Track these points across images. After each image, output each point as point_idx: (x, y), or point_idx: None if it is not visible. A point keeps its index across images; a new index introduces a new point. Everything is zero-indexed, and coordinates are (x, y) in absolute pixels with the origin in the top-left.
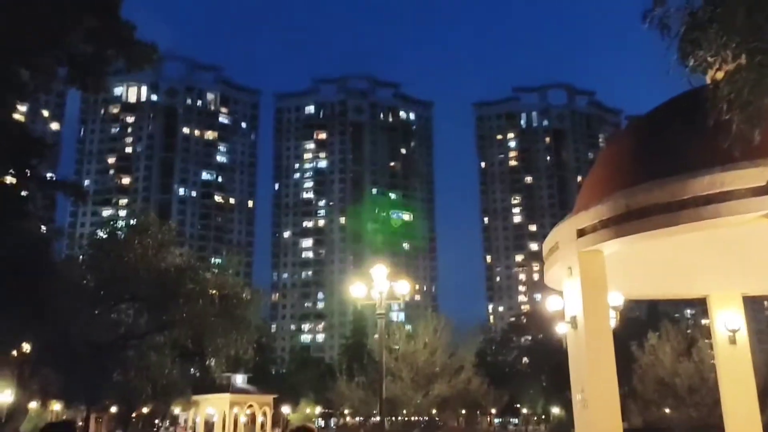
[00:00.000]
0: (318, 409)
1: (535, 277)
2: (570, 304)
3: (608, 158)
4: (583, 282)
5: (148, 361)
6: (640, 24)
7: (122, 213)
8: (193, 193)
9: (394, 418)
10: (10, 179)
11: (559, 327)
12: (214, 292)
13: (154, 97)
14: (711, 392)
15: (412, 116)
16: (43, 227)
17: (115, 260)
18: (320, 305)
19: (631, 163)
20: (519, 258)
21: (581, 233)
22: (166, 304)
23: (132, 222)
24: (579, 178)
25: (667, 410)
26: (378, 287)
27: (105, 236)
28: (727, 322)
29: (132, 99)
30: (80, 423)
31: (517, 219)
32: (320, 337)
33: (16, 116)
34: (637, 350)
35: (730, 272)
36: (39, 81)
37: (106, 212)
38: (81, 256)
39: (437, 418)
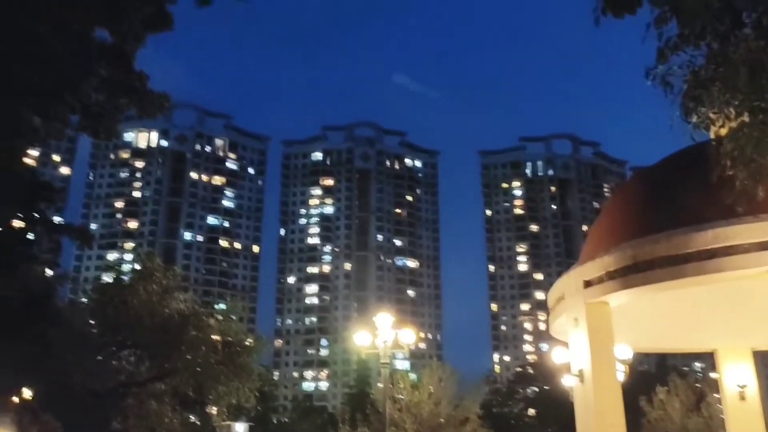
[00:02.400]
0: None
1: (542, 326)
2: (577, 356)
3: (614, 209)
4: (590, 334)
5: (148, 410)
6: (643, 79)
7: (127, 257)
8: (199, 238)
9: None
10: (17, 223)
11: (566, 379)
12: (217, 338)
13: (163, 143)
14: None
15: (418, 164)
16: (49, 271)
17: (118, 306)
18: (324, 352)
19: (637, 215)
20: (525, 307)
21: (587, 284)
22: (168, 351)
23: (136, 266)
24: (585, 227)
25: None
26: (383, 336)
27: (109, 281)
28: (737, 377)
29: (142, 144)
30: None
31: (522, 267)
32: (323, 386)
33: (27, 160)
34: (646, 404)
35: (738, 326)
36: (51, 128)
37: (111, 256)
38: (85, 301)
39: None
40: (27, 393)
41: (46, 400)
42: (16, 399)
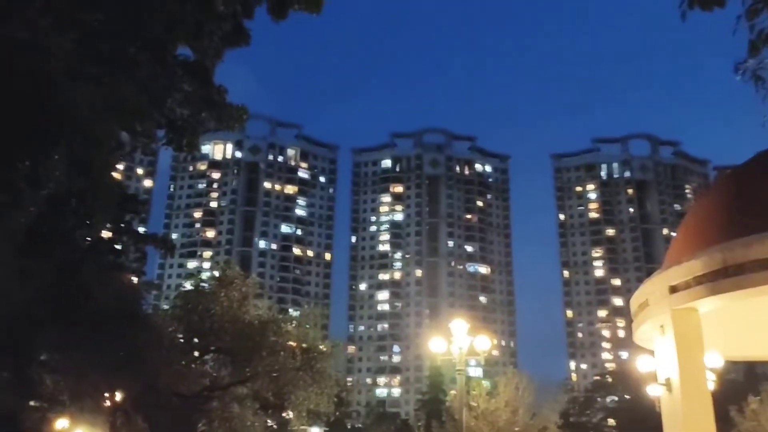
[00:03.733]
0: None
1: (620, 333)
2: (663, 364)
3: (701, 211)
4: (677, 341)
5: (231, 413)
6: (729, 71)
7: (206, 265)
8: (273, 246)
9: None
10: (107, 233)
11: (651, 388)
12: (294, 344)
13: (238, 154)
14: None
15: (488, 168)
16: (136, 279)
17: (202, 313)
18: (396, 359)
19: (727, 217)
20: (602, 313)
21: (674, 290)
22: (249, 356)
23: (215, 273)
24: (665, 231)
25: None
26: (457, 342)
27: (191, 288)
28: None
29: (218, 156)
30: None
31: (599, 273)
32: (396, 392)
33: (114, 174)
34: (737, 415)
35: None
36: (138, 143)
37: (191, 264)
38: (169, 308)
39: None
40: (118, 395)
41: (136, 402)
42: (108, 402)
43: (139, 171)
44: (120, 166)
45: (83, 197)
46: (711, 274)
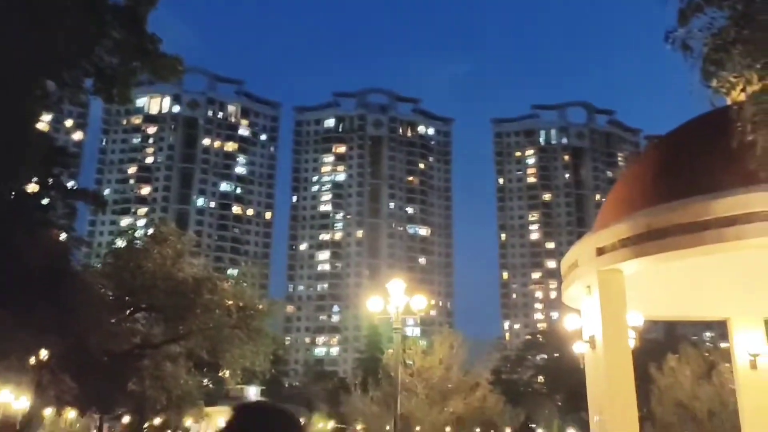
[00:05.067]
0: (331, 424)
1: (552, 294)
2: (588, 323)
3: (630, 177)
4: (602, 301)
5: (163, 371)
6: (661, 43)
7: (141, 222)
8: (212, 204)
9: None
10: (32, 187)
11: (577, 346)
12: (230, 303)
13: (176, 109)
14: (731, 417)
15: (431, 131)
16: (64, 235)
17: (133, 270)
18: (335, 319)
19: (653, 183)
20: (536, 275)
21: (601, 252)
22: (182, 314)
23: (150, 231)
24: (597, 197)
25: None
26: (395, 302)
27: (123, 245)
28: (748, 345)
29: (154, 110)
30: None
31: (534, 236)
32: (334, 351)
33: (40, 125)
34: (656, 372)
35: (752, 295)
36: (66, 92)
37: (125, 222)
38: (100, 265)
39: None
40: (44, 354)
41: (64, 361)
42: (33, 360)
43: (69, 123)
44: (47, 117)
45: (7, 148)
46: (636, 237)
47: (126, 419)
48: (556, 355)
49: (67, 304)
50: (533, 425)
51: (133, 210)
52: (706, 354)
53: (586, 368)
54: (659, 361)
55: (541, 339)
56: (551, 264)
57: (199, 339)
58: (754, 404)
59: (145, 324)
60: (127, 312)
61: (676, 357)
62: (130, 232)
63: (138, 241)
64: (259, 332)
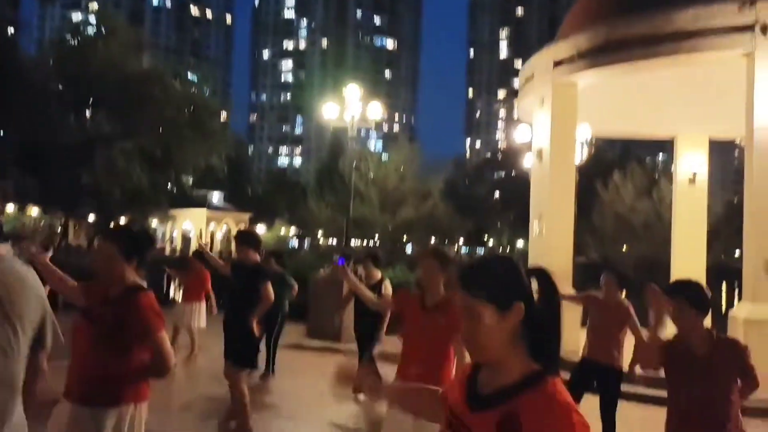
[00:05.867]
0: (292, 230)
1: (515, 114)
2: (538, 135)
3: None
4: (553, 113)
5: (116, 166)
6: None
7: (92, 19)
8: (168, 3)
9: (363, 242)
10: None
11: (526, 158)
12: (183, 100)
13: None
14: (665, 230)
15: None
16: (10, 29)
17: (81, 63)
18: (298, 130)
19: None
20: (502, 94)
21: (557, 64)
22: (131, 109)
23: (99, 25)
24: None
25: (623, 247)
26: (351, 109)
27: (70, 39)
28: (690, 163)
29: None
30: (59, 229)
31: (503, 54)
32: (297, 161)
33: None
34: (602, 188)
35: (699, 112)
36: None
37: (76, 16)
38: (48, 60)
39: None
40: None
41: (13, 156)
42: None
43: None
44: None
45: None
46: (593, 49)
47: (91, 218)
48: (513, 173)
49: (9, 95)
50: (486, 237)
51: (84, 4)
52: (652, 172)
53: (532, 180)
54: (607, 179)
55: (500, 157)
56: (517, 83)
57: (151, 136)
58: (687, 217)
59: (95, 119)
60: (76, 106)
61: (622, 173)
62: (79, 27)
63: (86, 34)
64: (215, 133)
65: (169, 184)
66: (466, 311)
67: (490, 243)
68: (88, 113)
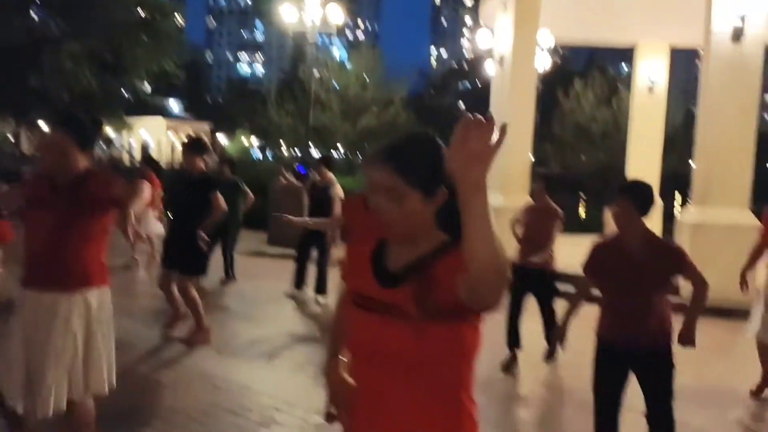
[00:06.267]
0: (255, 141)
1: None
2: (500, 41)
3: None
4: (516, 18)
5: (64, 69)
6: None
7: None
8: None
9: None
10: None
11: (487, 65)
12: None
13: None
14: (621, 138)
15: None
16: None
17: None
18: (259, 37)
19: None
20: (469, 1)
21: None
22: (79, 9)
23: None
24: None
25: (582, 156)
26: (310, 12)
27: None
28: (650, 71)
29: None
30: (11, 137)
31: None
32: (258, 69)
33: None
34: (563, 97)
35: (659, 18)
36: None
37: None
38: None
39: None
40: None
41: None
42: None
43: None
44: None
45: None
46: None
47: (44, 127)
48: (478, 83)
49: None
50: None
51: None
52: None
53: (492, 87)
54: (569, 89)
55: (466, 66)
56: None
57: (100, 38)
58: (643, 125)
59: (41, 20)
60: (20, 6)
61: (583, 82)
62: None
63: None
64: (169, 36)
65: (124, 91)
66: (391, 192)
67: None
68: (33, 13)
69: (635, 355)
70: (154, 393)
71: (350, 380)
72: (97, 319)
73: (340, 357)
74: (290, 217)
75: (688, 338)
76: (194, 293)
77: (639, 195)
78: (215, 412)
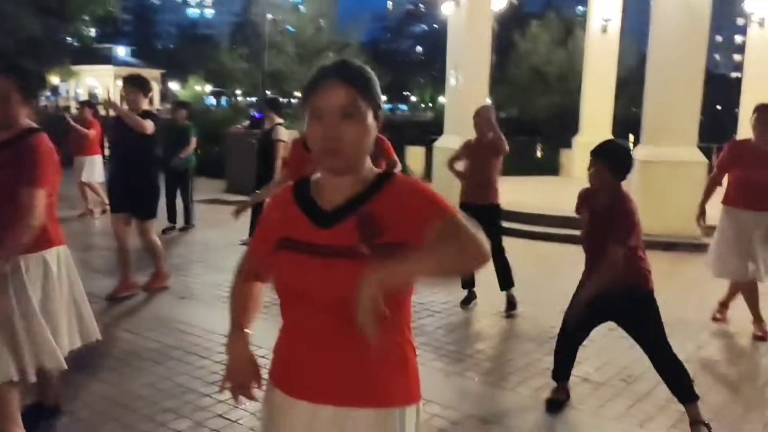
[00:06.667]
0: (208, 87)
1: None
2: None
3: None
4: None
5: (6, 12)
6: None
7: None
8: None
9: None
10: None
11: (444, 6)
12: None
13: None
14: (576, 80)
15: None
16: None
17: None
18: None
19: None
20: None
21: None
22: None
23: None
24: None
25: (538, 99)
26: None
27: None
28: (604, 11)
29: None
30: None
31: None
32: (209, 13)
33: None
34: (520, 39)
35: None
36: None
37: None
38: None
39: None
40: None
41: None
42: None
43: None
44: None
45: None
46: None
47: None
48: (435, 26)
49: None
50: (407, 93)
51: None
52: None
53: (449, 28)
54: (525, 31)
55: (423, 9)
56: None
57: None
58: (597, 67)
59: None
60: None
61: (539, 23)
62: None
63: None
64: None
65: (70, 39)
66: (349, 109)
67: (413, 98)
68: None
69: (611, 299)
70: (116, 339)
71: (253, 355)
72: (58, 278)
73: (245, 330)
74: (237, 208)
75: None
76: (155, 238)
77: (611, 158)
78: (179, 355)
